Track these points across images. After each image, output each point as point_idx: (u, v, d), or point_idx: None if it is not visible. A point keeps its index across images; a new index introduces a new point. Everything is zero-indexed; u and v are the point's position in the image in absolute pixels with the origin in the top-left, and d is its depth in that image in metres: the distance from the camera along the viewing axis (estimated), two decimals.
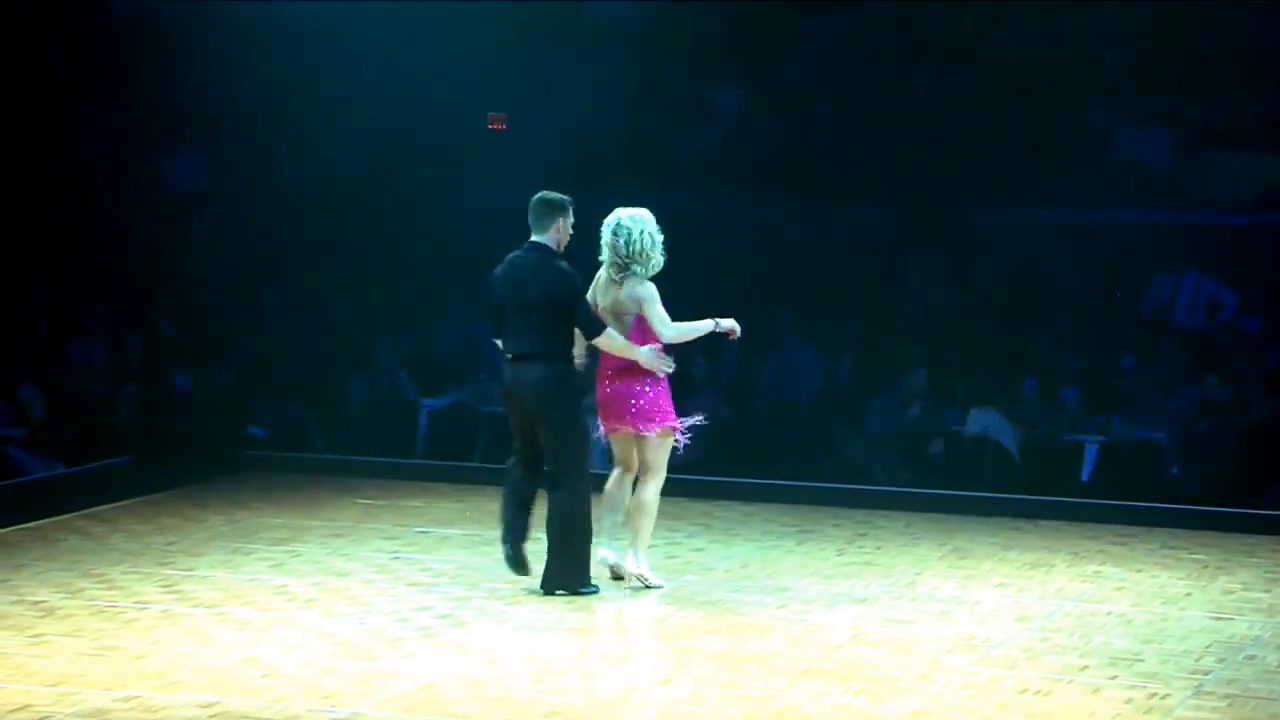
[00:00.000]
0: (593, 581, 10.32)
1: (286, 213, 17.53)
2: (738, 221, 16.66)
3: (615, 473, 10.55)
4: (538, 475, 10.33)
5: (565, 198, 10.34)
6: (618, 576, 10.49)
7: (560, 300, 10.15)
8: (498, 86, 17.52)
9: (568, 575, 10.26)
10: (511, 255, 10.33)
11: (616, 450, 10.52)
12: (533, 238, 10.29)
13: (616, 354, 10.28)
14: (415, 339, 16.68)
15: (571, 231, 10.36)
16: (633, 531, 10.41)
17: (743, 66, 18.03)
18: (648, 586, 10.40)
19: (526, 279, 10.20)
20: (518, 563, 10.30)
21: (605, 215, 10.43)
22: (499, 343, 10.38)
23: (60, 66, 18.15)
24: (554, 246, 10.27)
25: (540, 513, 10.33)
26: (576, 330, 10.25)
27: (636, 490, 10.41)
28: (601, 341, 10.25)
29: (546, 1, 17.28)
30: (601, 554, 10.45)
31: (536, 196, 10.35)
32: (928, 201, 16.95)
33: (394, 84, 17.40)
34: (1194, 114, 17.28)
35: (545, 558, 10.31)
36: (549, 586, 10.28)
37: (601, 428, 10.46)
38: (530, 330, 10.18)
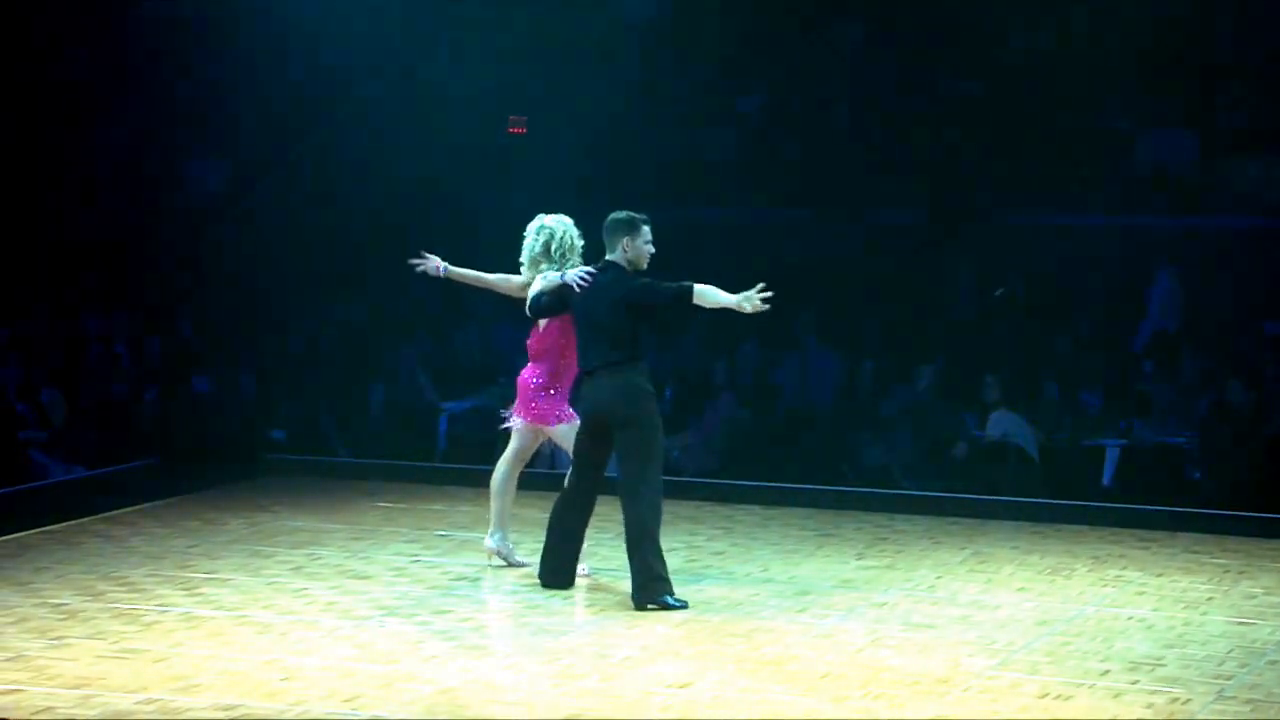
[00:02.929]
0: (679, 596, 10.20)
1: (308, 216, 17.57)
2: (757, 224, 16.66)
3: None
4: (588, 508, 10.39)
5: (634, 216, 10.28)
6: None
7: (630, 304, 10.13)
8: (518, 91, 17.56)
9: (652, 587, 10.07)
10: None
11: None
12: (606, 256, 10.34)
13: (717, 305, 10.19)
14: (435, 343, 16.70)
15: (649, 249, 10.27)
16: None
17: (763, 70, 18.04)
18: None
19: (596, 295, 10.22)
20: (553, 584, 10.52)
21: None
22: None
23: (84, 67, 18.22)
24: (624, 265, 10.25)
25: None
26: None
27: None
28: (701, 298, 10.07)
29: (567, 5, 17.31)
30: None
31: (611, 215, 10.33)
32: (949, 206, 16.95)
33: (415, 88, 17.45)
34: (1218, 117, 17.25)
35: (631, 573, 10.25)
36: (640, 602, 10.08)
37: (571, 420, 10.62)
38: (601, 344, 10.17)
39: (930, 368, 15.02)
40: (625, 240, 10.24)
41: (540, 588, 10.42)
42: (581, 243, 10.63)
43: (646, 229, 10.26)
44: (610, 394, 10.10)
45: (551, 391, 10.69)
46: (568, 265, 10.51)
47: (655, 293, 10.16)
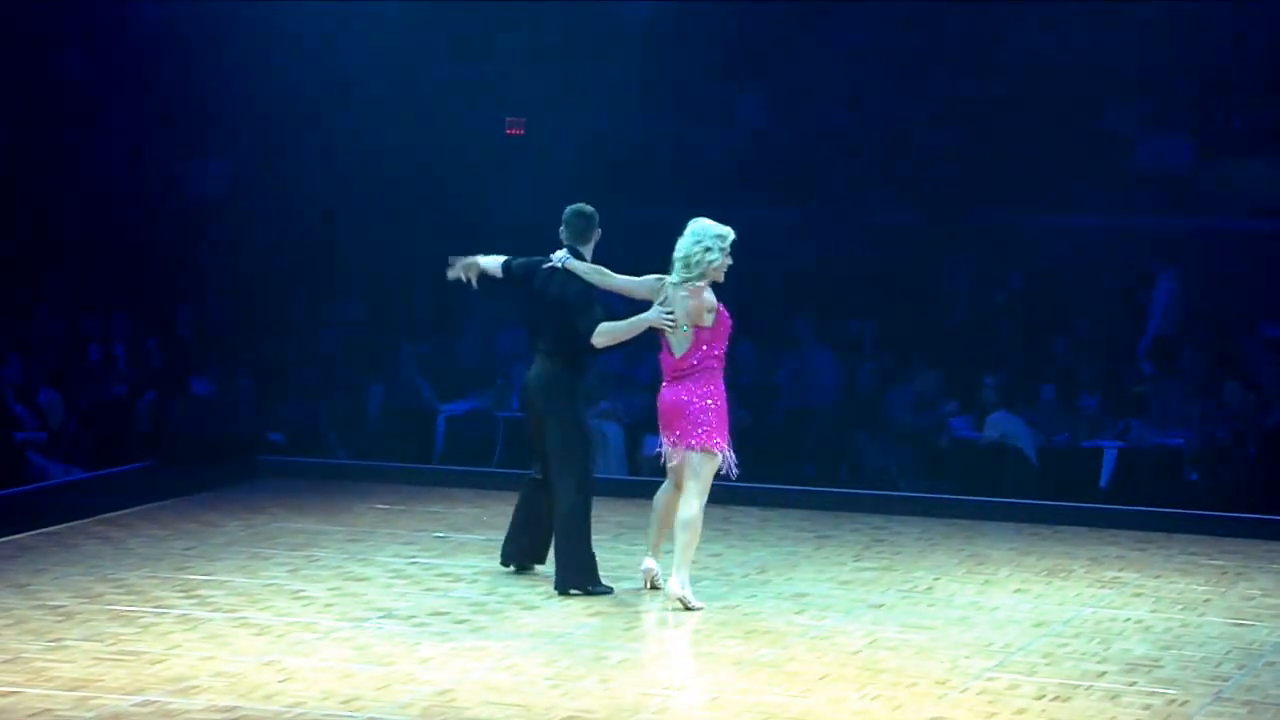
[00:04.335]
0: (605, 583, 10.33)
1: (306, 218, 17.56)
2: (757, 226, 16.62)
3: (665, 485, 10.36)
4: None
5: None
6: (655, 586, 10.42)
7: (568, 301, 10.26)
8: (516, 92, 17.55)
9: (576, 574, 10.29)
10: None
11: (672, 464, 10.27)
12: (572, 246, 10.38)
13: (621, 338, 10.20)
14: (433, 345, 16.69)
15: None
16: (675, 550, 10.04)
17: (763, 72, 18.04)
18: (688, 609, 9.98)
19: (552, 283, 10.34)
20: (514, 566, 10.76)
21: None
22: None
23: (84, 67, 18.21)
24: (587, 256, 10.38)
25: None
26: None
27: (678, 508, 10.08)
28: (600, 339, 10.20)
29: (566, 6, 17.30)
30: (646, 564, 10.43)
31: (573, 208, 10.42)
32: (947, 208, 16.95)
33: (413, 90, 17.44)
34: (1215, 119, 17.26)
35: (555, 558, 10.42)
36: (563, 586, 10.32)
37: (663, 439, 10.22)
38: (541, 330, 10.40)
39: (929, 369, 15.02)
40: (597, 232, 10.41)
41: (538, 589, 10.42)
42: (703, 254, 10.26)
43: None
44: (536, 386, 10.33)
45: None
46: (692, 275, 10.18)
47: (588, 311, 10.22)
